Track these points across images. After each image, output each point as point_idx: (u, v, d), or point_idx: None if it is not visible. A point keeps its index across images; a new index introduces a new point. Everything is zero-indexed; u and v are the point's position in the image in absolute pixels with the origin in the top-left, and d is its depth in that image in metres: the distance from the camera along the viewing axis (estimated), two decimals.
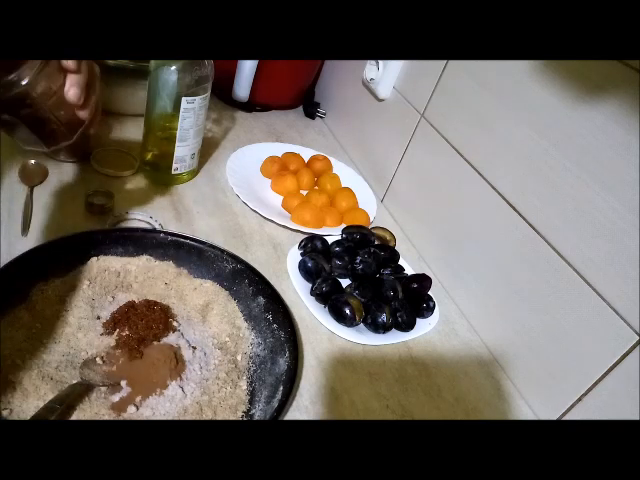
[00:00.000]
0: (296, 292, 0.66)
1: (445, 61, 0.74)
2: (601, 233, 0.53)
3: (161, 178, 0.77)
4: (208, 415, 0.48)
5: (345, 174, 0.91)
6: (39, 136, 0.43)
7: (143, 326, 0.53)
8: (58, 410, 0.43)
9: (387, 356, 0.62)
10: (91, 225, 0.65)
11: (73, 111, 0.44)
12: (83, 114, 0.44)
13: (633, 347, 0.50)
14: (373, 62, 0.89)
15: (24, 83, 0.39)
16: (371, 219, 0.82)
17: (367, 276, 0.68)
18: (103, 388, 0.48)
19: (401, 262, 0.74)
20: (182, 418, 0.47)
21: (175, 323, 0.56)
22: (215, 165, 0.86)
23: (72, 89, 0.41)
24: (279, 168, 0.86)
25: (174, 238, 0.61)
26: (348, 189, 0.86)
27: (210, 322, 0.58)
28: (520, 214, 0.63)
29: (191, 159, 0.76)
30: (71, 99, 0.41)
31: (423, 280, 0.69)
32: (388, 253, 0.73)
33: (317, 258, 0.68)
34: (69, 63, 0.40)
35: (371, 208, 0.85)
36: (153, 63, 0.67)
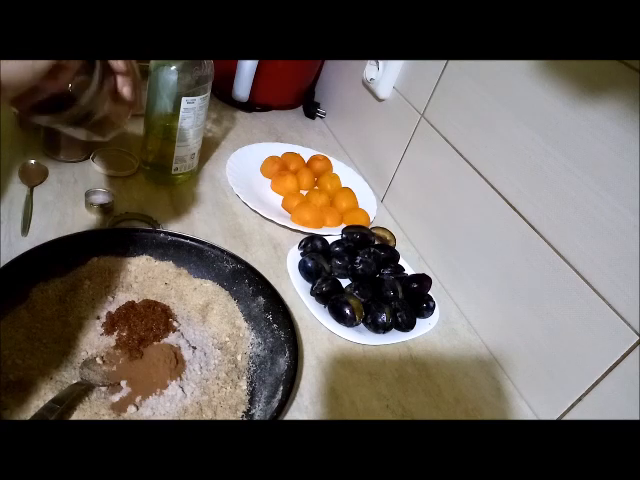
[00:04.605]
0: (296, 292, 0.66)
1: (445, 61, 0.74)
2: (601, 233, 0.53)
3: (161, 178, 0.77)
4: (208, 415, 0.48)
5: (345, 174, 0.91)
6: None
7: (143, 326, 0.53)
8: (58, 410, 0.43)
9: (387, 356, 0.62)
10: (91, 225, 0.65)
11: (109, 110, 0.46)
12: (129, 109, 0.47)
13: (633, 347, 0.50)
14: (373, 62, 0.89)
15: (95, 83, 0.41)
16: (371, 219, 0.82)
17: (367, 276, 0.68)
18: (103, 388, 0.48)
19: (401, 262, 0.74)
20: (182, 418, 0.47)
21: (175, 323, 0.56)
22: (215, 165, 0.86)
23: (125, 88, 0.44)
24: (279, 168, 0.86)
25: (174, 238, 0.61)
26: (348, 189, 0.86)
27: (210, 322, 0.58)
28: (520, 214, 0.63)
29: (191, 159, 0.76)
30: (126, 96, 0.45)
31: (423, 280, 0.69)
32: (388, 253, 0.73)
33: (317, 258, 0.68)
34: (120, 65, 0.42)
35: (371, 208, 0.85)
36: (153, 63, 0.67)
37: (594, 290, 0.54)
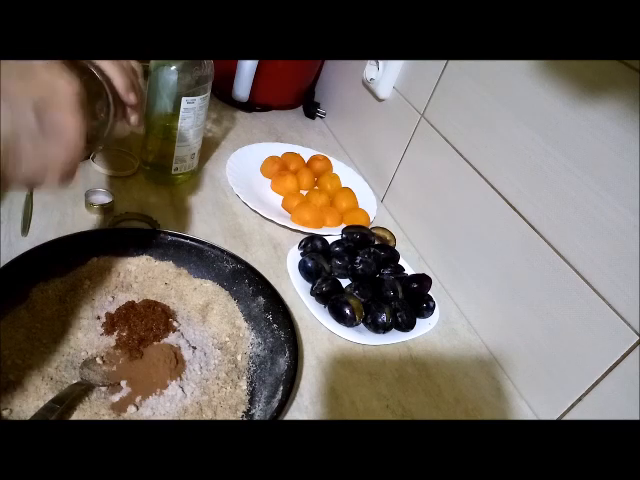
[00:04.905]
0: (296, 292, 0.66)
1: (445, 61, 0.75)
2: (601, 233, 0.53)
3: (161, 178, 0.77)
4: (208, 415, 0.48)
5: (345, 174, 0.91)
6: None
7: (143, 326, 0.53)
8: (58, 410, 0.43)
9: (387, 356, 0.62)
10: (91, 225, 0.65)
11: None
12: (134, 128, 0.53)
13: (633, 347, 0.50)
14: (373, 62, 0.89)
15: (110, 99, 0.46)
16: (371, 219, 0.82)
17: (367, 276, 0.68)
18: (103, 388, 0.48)
19: (401, 262, 0.74)
20: (182, 418, 0.47)
21: (175, 323, 0.56)
22: (215, 165, 0.86)
23: (133, 117, 0.50)
24: (279, 168, 0.86)
25: (174, 238, 0.61)
26: (348, 189, 0.86)
27: (210, 322, 0.58)
28: (520, 214, 0.63)
29: (191, 159, 0.76)
30: (133, 124, 0.51)
31: (423, 280, 0.69)
32: (388, 253, 0.73)
33: (317, 258, 0.68)
34: (131, 98, 0.47)
35: (371, 208, 0.85)
36: (153, 63, 0.67)
37: (594, 290, 0.54)
